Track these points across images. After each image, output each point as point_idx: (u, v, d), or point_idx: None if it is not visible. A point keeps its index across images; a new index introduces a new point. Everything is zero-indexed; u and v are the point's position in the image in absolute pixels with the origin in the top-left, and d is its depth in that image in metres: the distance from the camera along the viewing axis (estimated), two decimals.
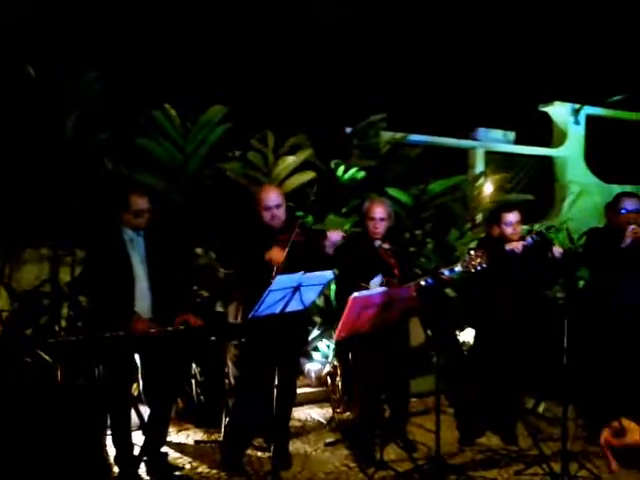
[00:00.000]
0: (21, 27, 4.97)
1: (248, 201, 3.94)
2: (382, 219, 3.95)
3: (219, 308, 4.95)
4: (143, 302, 3.54)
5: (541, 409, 4.84)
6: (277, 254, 3.57)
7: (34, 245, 4.77)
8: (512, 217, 4.03)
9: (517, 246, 3.93)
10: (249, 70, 6.63)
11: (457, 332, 5.41)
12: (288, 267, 3.48)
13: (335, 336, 3.75)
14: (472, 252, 3.76)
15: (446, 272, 3.81)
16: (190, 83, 5.71)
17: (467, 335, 5.35)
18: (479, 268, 3.73)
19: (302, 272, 3.30)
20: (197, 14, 6.53)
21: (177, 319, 3.54)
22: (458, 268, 3.78)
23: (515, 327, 4.02)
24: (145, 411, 3.73)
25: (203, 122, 4.83)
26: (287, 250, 3.54)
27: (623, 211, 4.12)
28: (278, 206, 3.74)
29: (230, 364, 3.88)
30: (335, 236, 3.73)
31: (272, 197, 3.74)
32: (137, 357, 3.57)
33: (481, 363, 4.16)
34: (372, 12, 8.00)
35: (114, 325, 3.35)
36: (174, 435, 4.34)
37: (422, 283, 3.80)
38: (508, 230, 4.01)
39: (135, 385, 3.99)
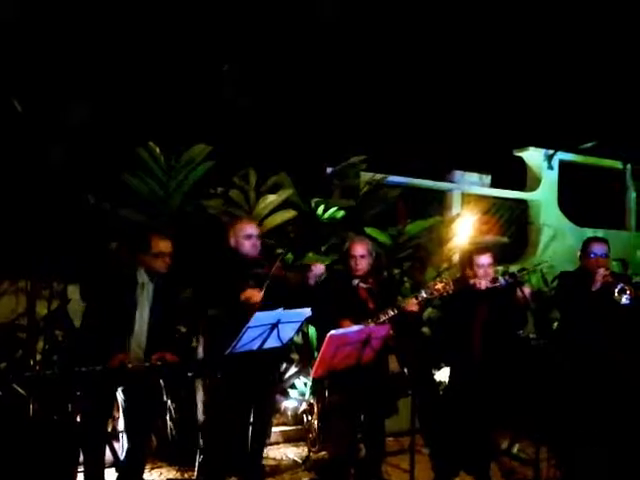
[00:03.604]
0: (9, 61, 5.05)
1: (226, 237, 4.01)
2: (362, 256, 4.05)
3: (195, 344, 4.94)
4: (139, 345, 3.56)
5: (515, 450, 4.87)
6: (254, 294, 3.61)
7: (11, 277, 4.75)
8: (484, 259, 4.13)
9: (480, 282, 4.04)
10: (232, 109, 6.76)
11: (433, 371, 5.46)
12: (268, 302, 3.53)
13: (312, 373, 3.78)
14: (437, 279, 3.90)
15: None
16: (174, 121, 5.81)
17: (443, 374, 5.39)
18: (445, 294, 3.87)
19: (281, 308, 3.36)
20: (181, 54, 6.68)
21: (154, 356, 3.55)
22: (423, 294, 3.92)
23: (487, 366, 4.08)
24: (119, 448, 3.69)
25: (186, 160, 4.92)
26: (264, 288, 3.59)
27: (592, 255, 4.25)
28: (258, 236, 3.89)
29: (199, 400, 3.86)
30: (319, 269, 3.88)
31: (253, 227, 3.90)
32: (119, 393, 3.56)
33: (456, 403, 4.20)
34: (355, 56, 8.24)
35: (92, 359, 3.35)
36: (147, 473, 4.27)
37: (390, 313, 3.88)
38: (480, 272, 4.10)
39: (109, 421, 3.96)
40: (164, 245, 3.57)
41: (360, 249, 4.07)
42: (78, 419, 3.56)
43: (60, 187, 4.59)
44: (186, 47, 6.74)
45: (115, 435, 3.87)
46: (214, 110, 6.57)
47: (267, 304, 3.56)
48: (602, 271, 4.12)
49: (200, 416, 3.84)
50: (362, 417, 4.03)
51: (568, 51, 9.08)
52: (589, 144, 8.55)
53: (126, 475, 3.63)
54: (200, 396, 3.86)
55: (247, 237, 3.83)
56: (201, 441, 3.84)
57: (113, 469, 3.77)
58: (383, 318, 3.85)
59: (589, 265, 4.25)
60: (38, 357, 4.52)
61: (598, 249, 4.26)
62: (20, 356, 4.50)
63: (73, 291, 4.65)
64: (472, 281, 4.07)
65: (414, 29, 8.50)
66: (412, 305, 3.91)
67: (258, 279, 3.70)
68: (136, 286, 3.56)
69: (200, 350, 3.92)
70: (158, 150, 4.85)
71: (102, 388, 3.41)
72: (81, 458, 3.59)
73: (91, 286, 3.79)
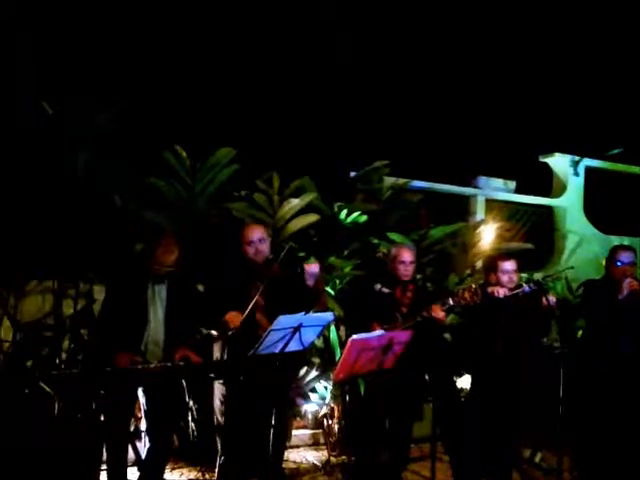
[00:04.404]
0: (40, 63, 5.16)
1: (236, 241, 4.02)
2: (412, 262, 4.14)
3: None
4: (157, 344, 3.61)
5: (537, 459, 4.81)
6: (234, 318, 3.60)
7: (38, 277, 4.84)
8: (508, 265, 4.11)
9: (497, 290, 4.02)
10: (258, 114, 6.81)
11: (454, 378, 5.42)
12: (268, 303, 3.56)
13: (333, 377, 3.79)
14: (464, 287, 3.90)
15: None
16: (200, 125, 5.88)
17: (464, 381, 5.35)
18: (472, 303, 3.88)
19: (303, 312, 3.38)
20: (209, 58, 6.75)
21: (177, 355, 3.59)
22: (450, 302, 3.95)
23: (509, 374, 4.05)
24: (141, 447, 3.73)
25: (212, 163, 4.96)
26: (246, 313, 3.54)
27: (619, 264, 4.21)
28: (261, 240, 3.85)
29: (217, 402, 3.89)
30: (312, 268, 3.81)
31: (255, 232, 3.87)
32: (140, 392, 3.61)
33: (478, 410, 4.17)
34: (378, 60, 8.24)
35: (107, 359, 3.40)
36: (168, 473, 4.30)
37: (418, 319, 3.90)
38: (504, 278, 4.09)
39: (132, 420, 4.01)
40: (167, 258, 3.62)
41: (409, 255, 4.15)
42: (102, 418, 3.61)
43: (87, 189, 4.67)
44: (212, 52, 6.82)
45: (138, 434, 3.91)
46: (239, 114, 6.62)
47: (270, 305, 3.61)
48: (629, 279, 4.08)
49: (218, 418, 3.86)
50: (387, 422, 4.03)
51: (596, 58, 8.98)
52: (616, 150, 8.43)
53: (147, 474, 3.67)
54: (217, 398, 3.88)
55: (249, 243, 3.82)
56: (219, 443, 3.87)
57: (135, 468, 3.82)
58: (410, 323, 3.86)
59: (616, 273, 4.20)
60: (64, 356, 4.59)
61: (625, 257, 4.21)
62: (46, 354, 4.58)
63: (99, 291, 4.72)
64: (490, 289, 4.05)
65: (441, 34, 8.48)
66: (438, 312, 3.92)
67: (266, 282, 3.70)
68: (148, 286, 3.63)
69: (216, 351, 3.93)
70: (184, 154, 4.91)
71: (120, 388, 3.46)
72: (104, 457, 3.63)
73: (109, 284, 3.86)
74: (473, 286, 3.96)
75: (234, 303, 3.65)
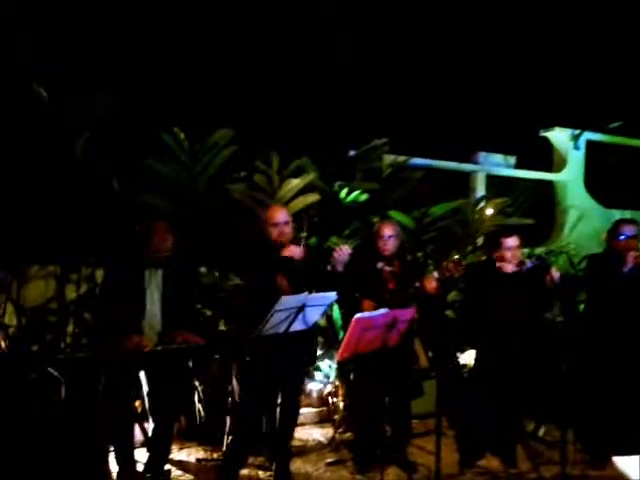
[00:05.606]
0: (35, 48, 5.10)
1: (254, 221, 4.03)
2: (390, 237, 4.11)
3: (222, 327, 5.00)
4: (152, 328, 3.63)
5: (541, 432, 4.85)
6: (295, 250, 3.66)
7: (41, 262, 4.84)
8: (511, 241, 4.11)
9: (506, 266, 4.03)
10: (256, 94, 6.75)
11: (457, 353, 5.45)
12: (294, 286, 3.55)
13: (337, 357, 3.81)
14: (449, 262, 3.94)
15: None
16: (198, 107, 5.83)
17: (467, 357, 5.38)
18: (455, 274, 3.93)
19: (306, 292, 3.39)
20: (207, 40, 6.68)
21: (177, 337, 3.61)
22: (435, 275, 3.98)
23: (514, 349, 4.07)
24: (149, 428, 3.77)
25: (210, 144, 4.93)
26: (304, 247, 3.66)
27: (622, 237, 4.22)
28: (286, 223, 3.86)
29: (235, 382, 3.95)
30: (341, 255, 3.80)
31: (281, 214, 3.88)
32: (142, 374, 3.63)
33: (481, 385, 4.20)
34: (376, 38, 8.15)
35: (111, 342, 3.43)
36: (176, 453, 4.37)
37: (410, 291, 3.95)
38: (507, 254, 4.09)
39: (139, 402, 4.04)
40: (163, 245, 3.67)
41: (388, 230, 4.13)
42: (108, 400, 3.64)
43: (86, 173, 4.65)
44: (209, 35, 6.74)
45: (145, 416, 3.95)
46: (236, 95, 6.57)
47: (297, 288, 3.60)
48: (634, 252, 4.09)
49: (234, 398, 3.91)
50: (387, 399, 4.07)
51: (595, 29, 8.88)
52: (616, 123, 8.37)
53: (153, 455, 3.71)
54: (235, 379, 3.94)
55: (274, 225, 3.83)
56: (228, 423, 3.91)
57: (144, 449, 3.86)
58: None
59: (619, 247, 4.21)
60: (68, 340, 4.62)
61: (629, 230, 4.23)
62: (51, 339, 4.60)
63: (101, 275, 4.73)
64: (498, 265, 4.06)
65: (438, 9, 8.38)
66: (431, 282, 3.93)
67: (288, 265, 3.71)
68: (144, 271, 3.66)
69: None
70: (183, 135, 4.87)
71: (125, 370, 3.49)
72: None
73: (106, 269, 3.87)
74: (456, 257, 3.98)
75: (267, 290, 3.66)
